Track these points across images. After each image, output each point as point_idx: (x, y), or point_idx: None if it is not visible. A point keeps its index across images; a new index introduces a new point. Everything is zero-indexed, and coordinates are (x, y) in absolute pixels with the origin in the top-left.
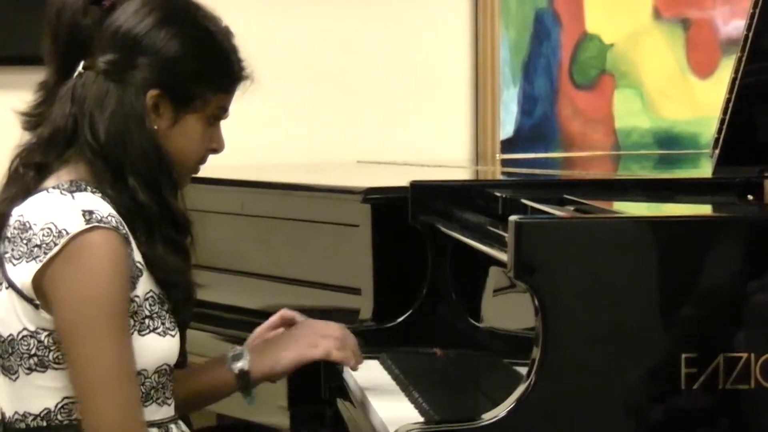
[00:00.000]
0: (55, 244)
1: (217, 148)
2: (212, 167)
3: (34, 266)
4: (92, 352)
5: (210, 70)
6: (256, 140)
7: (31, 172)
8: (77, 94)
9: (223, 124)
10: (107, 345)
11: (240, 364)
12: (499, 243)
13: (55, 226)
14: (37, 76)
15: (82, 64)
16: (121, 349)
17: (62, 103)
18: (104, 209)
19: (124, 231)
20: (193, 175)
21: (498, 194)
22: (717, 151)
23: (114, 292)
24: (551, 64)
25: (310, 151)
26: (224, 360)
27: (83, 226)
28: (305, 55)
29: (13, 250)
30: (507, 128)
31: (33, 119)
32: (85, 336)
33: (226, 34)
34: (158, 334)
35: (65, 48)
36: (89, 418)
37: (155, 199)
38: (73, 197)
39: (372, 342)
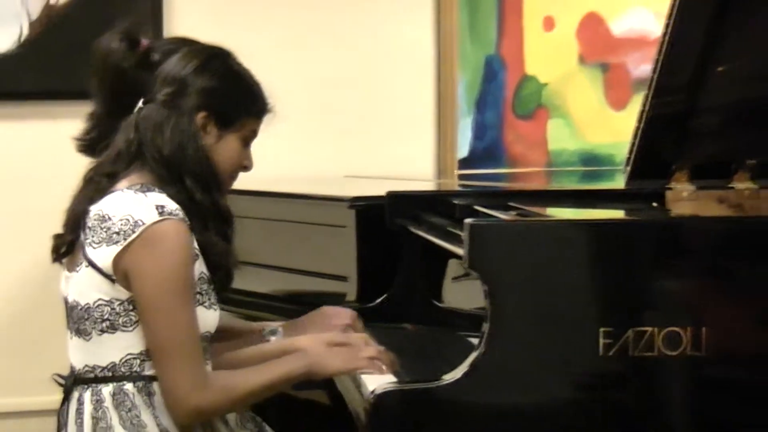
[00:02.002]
0: (133, 232)
1: (248, 165)
2: (238, 181)
3: (115, 249)
4: (169, 319)
5: (244, 99)
6: (264, 160)
7: (104, 179)
8: (140, 125)
9: None
10: (181, 313)
11: (273, 338)
12: (457, 240)
13: (132, 217)
14: (78, 108)
15: (141, 100)
16: (192, 317)
17: (125, 131)
18: (172, 205)
19: (188, 222)
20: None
21: (456, 202)
22: (629, 168)
23: (185, 270)
24: (498, 99)
25: (308, 167)
26: (260, 332)
27: (157, 217)
28: (303, 92)
29: (93, 236)
30: (463, 149)
31: (85, 142)
32: (163, 307)
33: (252, 74)
34: (205, 307)
35: (110, 86)
36: (169, 374)
37: (208, 197)
38: (146, 195)
39: None
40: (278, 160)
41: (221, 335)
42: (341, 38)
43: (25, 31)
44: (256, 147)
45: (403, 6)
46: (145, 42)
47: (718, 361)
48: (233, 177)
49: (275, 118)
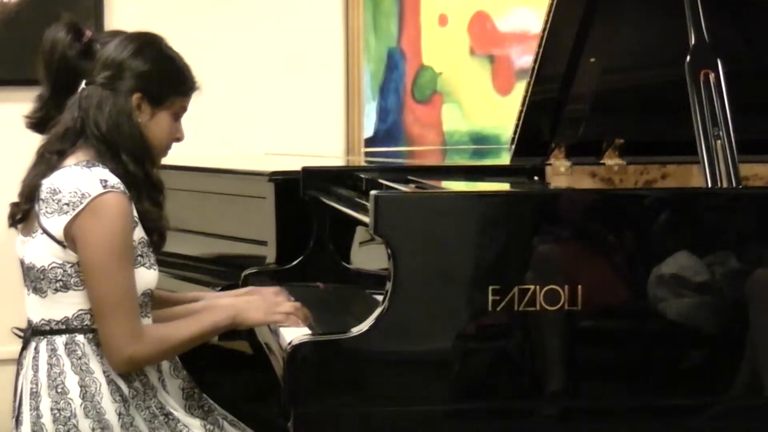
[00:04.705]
0: (81, 203)
1: (179, 137)
2: (172, 159)
3: (65, 218)
4: (110, 279)
5: (174, 80)
6: (197, 140)
7: (54, 156)
8: (82, 103)
9: None
10: (120, 274)
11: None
12: (364, 210)
13: (80, 190)
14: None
15: (84, 82)
16: (130, 278)
17: (71, 110)
18: (114, 179)
19: (128, 194)
20: (164, 164)
21: (363, 176)
22: (513, 146)
23: (124, 236)
24: (399, 87)
25: (234, 146)
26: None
27: (101, 189)
28: (231, 83)
29: (46, 207)
30: (368, 130)
31: (34, 120)
32: (104, 268)
33: (181, 57)
34: (146, 267)
35: (56, 72)
36: (108, 327)
37: (140, 169)
38: (90, 170)
39: (275, 279)
40: (209, 140)
41: (166, 303)
42: (264, 35)
43: None
44: (191, 131)
45: (316, 8)
46: (89, 33)
47: (592, 315)
48: (168, 147)
49: (208, 103)
